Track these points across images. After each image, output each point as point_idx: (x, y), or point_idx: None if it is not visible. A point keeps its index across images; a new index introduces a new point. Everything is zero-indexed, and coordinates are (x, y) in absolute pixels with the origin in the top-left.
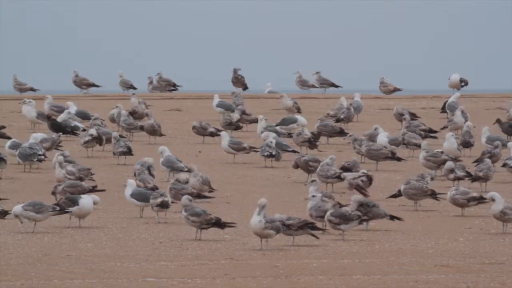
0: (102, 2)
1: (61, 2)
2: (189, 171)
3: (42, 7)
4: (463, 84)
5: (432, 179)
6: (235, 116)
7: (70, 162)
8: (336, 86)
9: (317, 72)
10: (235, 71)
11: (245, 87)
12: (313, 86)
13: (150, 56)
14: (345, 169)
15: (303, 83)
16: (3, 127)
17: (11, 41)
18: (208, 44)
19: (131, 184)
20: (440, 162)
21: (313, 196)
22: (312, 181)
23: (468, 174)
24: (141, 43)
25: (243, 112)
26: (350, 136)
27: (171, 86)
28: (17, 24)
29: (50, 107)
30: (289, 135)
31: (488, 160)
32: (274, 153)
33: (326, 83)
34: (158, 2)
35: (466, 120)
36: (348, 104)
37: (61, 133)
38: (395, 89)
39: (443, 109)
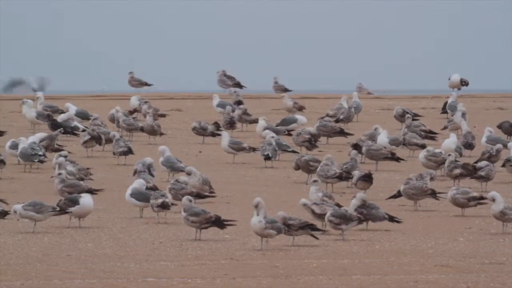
0: (100, 2)
1: (59, 2)
2: (188, 174)
3: (40, 7)
4: (463, 84)
5: (432, 178)
6: (237, 112)
7: (70, 162)
8: (241, 87)
9: (222, 71)
10: (222, 71)
11: (238, 86)
12: (237, 84)
13: (149, 56)
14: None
15: (223, 82)
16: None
17: (11, 41)
18: (207, 45)
19: (140, 183)
20: (440, 162)
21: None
22: (314, 181)
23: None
24: (141, 44)
25: (244, 112)
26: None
27: (144, 85)
28: (16, 24)
29: (44, 107)
30: (289, 132)
31: (485, 163)
32: (270, 154)
33: (228, 84)
34: (157, 3)
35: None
36: (351, 102)
37: (61, 129)
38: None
39: (444, 110)
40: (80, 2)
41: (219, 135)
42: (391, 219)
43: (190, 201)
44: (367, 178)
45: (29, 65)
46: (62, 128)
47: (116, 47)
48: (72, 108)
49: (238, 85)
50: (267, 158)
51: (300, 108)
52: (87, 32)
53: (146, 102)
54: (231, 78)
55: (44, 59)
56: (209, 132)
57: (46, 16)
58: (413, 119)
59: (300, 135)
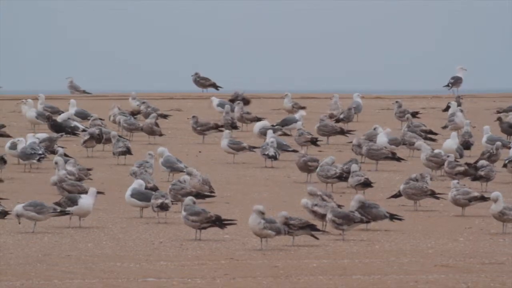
0: (99, 1)
1: (56, 1)
2: (189, 174)
3: (38, 6)
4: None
5: (431, 179)
6: (237, 110)
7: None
8: (217, 88)
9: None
10: (195, 74)
11: (214, 87)
12: (84, 91)
13: (147, 55)
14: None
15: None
16: (3, 126)
17: (11, 40)
18: (207, 45)
19: (139, 183)
20: (441, 163)
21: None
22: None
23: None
24: (140, 44)
25: (245, 111)
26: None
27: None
28: (14, 23)
29: (44, 107)
30: (283, 132)
31: (486, 162)
32: (272, 153)
33: (78, 91)
34: (158, 3)
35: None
36: (348, 104)
37: (63, 133)
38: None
39: (446, 109)
40: (81, 2)
41: (222, 131)
42: (392, 217)
43: (194, 202)
44: (366, 184)
45: (29, 65)
46: (63, 133)
47: (118, 47)
48: (72, 108)
49: (214, 86)
50: (271, 157)
51: (300, 108)
52: (89, 32)
53: (143, 102)
54: (205, 79)
55: (44, 59)
56: (213, 125)
57: (47, 15)
58: (414, 116)
59: (302, 135)
